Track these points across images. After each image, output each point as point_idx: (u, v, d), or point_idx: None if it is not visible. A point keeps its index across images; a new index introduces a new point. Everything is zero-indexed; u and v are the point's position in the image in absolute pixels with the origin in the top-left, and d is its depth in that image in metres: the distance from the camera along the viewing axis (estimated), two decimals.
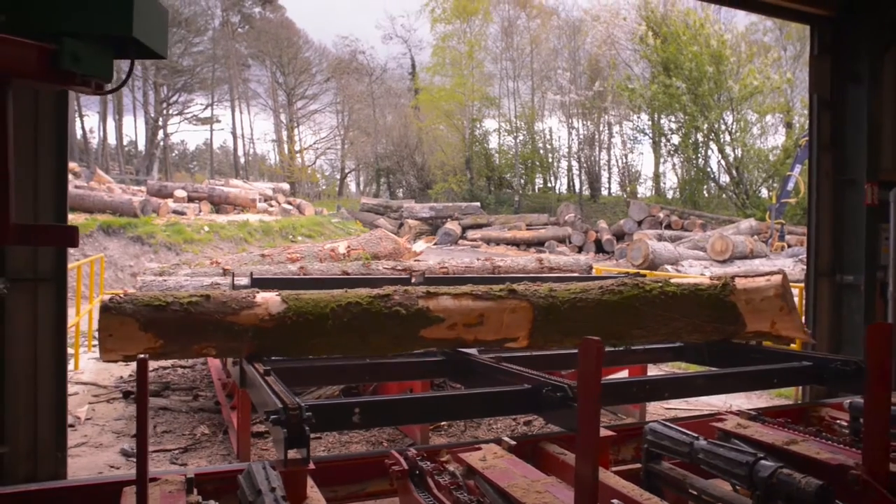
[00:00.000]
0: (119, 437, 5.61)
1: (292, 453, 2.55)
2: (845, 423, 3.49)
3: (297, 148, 49.41)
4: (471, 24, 39.66)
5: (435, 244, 29.31)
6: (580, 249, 28.10)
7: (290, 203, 23.19)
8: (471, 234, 30.75)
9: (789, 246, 18.94)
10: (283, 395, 2.66)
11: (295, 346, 3.12)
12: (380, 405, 3.09)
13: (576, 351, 3.41)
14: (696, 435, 2.68)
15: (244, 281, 5.03)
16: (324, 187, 50.77)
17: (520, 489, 2.16)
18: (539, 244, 29.31)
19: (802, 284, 6.65)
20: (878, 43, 6.08)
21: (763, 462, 2.33)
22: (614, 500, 2.08)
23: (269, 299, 3.14)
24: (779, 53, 32.37)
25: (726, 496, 2.55)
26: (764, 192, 31.35)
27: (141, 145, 45.86)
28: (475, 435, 5.61)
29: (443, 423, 5.73)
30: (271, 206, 21.53)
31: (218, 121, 49.65)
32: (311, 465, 2.63)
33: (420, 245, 8.53)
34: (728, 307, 3.66)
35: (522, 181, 40.08)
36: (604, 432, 3.02)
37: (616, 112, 38.04)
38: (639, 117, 36.75)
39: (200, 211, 19.40)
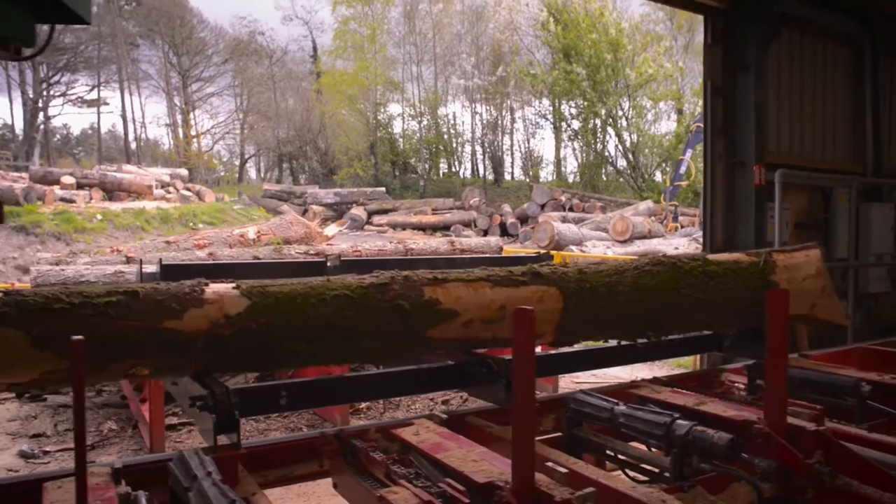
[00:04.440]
0: (14, 438, 5.28)
1: (222, 439, 2.50)
2: (742, 386, 3.76)
3: (193, 132, 47.39)
4: (372, 7, 39.23)
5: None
6: (485, 233, 28.60)
7: (188, 189, 22.26)
8: (377, 219, 30.64)
9: (682, 226, 20.04)
10: (208, 380, 2.58)
11: (264, 356, 2.39)
12: (306, 387, 3.06)
13: None
14: (615, 401, 2.83)
15: (152, 268, 4.82)
16: (222, 173, 49.02)
17: (456, 459, 2.22)
18: (445, 228, 29.58)
19: None
20: (764, 34, 6.53)
21: (679, 421, 2.49)
22: (548, 463, 2.17)
23: (224, 294, 2.30)
24: (671, 43, 33.98)
25: (645, 455, 2.72)
26: (658, 176, 32.94)
27: (18, 128, 42.57)
28: (394, 416, 5.66)
29: (362, 407, 5.74)
30: (169, 192, 20.60)
31: (106, 103, 46.81)
32: (242, 450, 2.59)
33: (332, 229, 8.46)
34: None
35: (427, 166, 40.22)
36: None
37: (518, 97, 38.78)
38: (540, 102, 37.72)
39: (91, 198, 18.30)
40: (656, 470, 2.80)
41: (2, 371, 1.99)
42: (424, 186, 36.83)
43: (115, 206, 17.33)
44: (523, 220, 28.08)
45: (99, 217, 15.77)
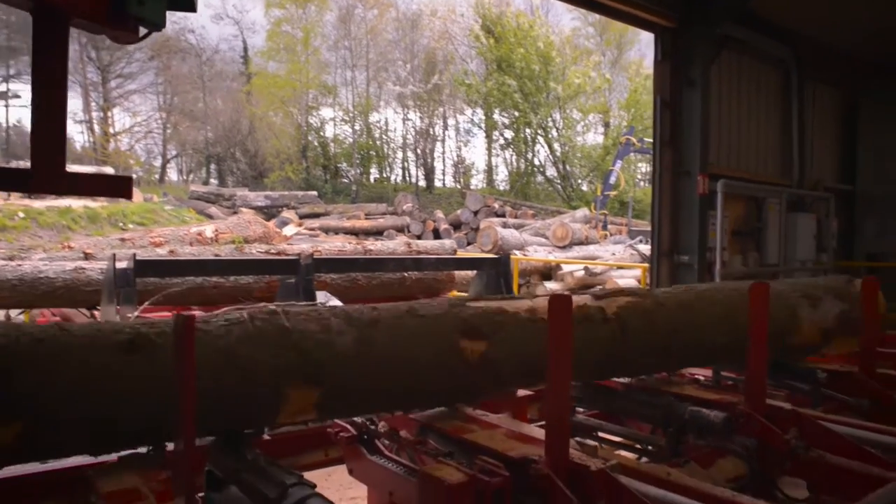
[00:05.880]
0: None
1: None
2: (702, 378, 4.08)
3: (112, 130, 45.45)
4: (306, 10, 38.86)
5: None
6: (418, 238, 28.74)
7: None
8: (309, 223, 30.27)
9: (611, 234, 20.81)
10: None
11: None
12: None
13: None
14: (609, 387, 3.05)
15: (124, 264, 4.75)
16: (140, 174, 47.23)
17: (484, 438, 2.37)
18: (378, 233, 29.51)
19: (647, 265, 7.48)
20: (708, 53, 7.00)
21: (676, 403, 2.74)
22: (577, 438, 2.35)
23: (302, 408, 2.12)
24: (599, 57, 35.24)
25: (638, 435, 2.95)
26: (585, 186, 34.02)
27: None
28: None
29: None
30: None
31: (18, 96, 44.27)
32: (266, 436, 2.65)
33: (290, 229, 8.41)
34: None
35: (359, 171, 40.11)
36: (521, 392, 3.32)
37: (451, 105, 39.27)
38: (474, 111, 38.33)
39: (9, 195, 17.38)
40: (638, 446, 3.05)
41: None
42: (357, 191, 36.69)
43: (38, 204, 16.54)
44: (456, 226, 28.40)
45: (21, 215, 15.03)
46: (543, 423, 3.29)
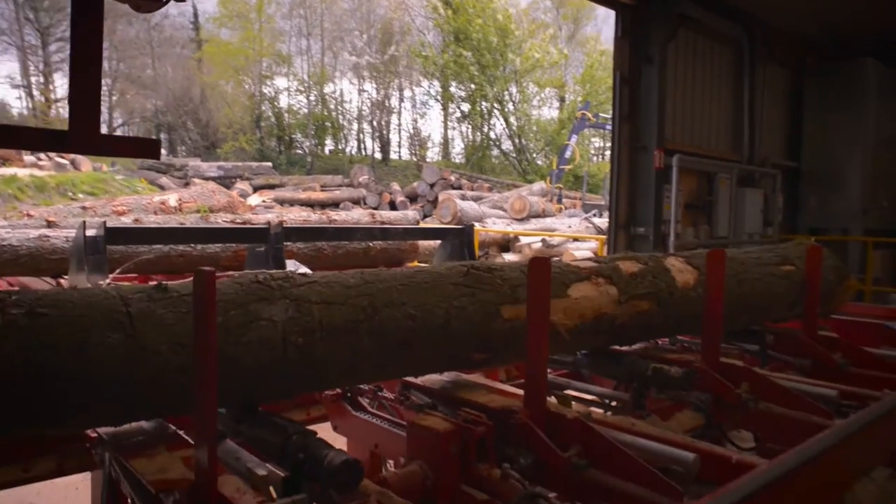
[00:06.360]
0: None
1: None
2: (659, 342, 4.33)
3: (53, 97, 43.66)
4: None
5: None
6: (375, 210, 28.67)
7: (62, 157, 20.76)
8: (264, 194, 29.88)
9: (566, 208, 21.19)
10: None
11: None
12: None
13: None
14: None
15: (93, 231, 4.73)
16: None
17: (466, 392, 2.53)
18: (334, 205, 29.31)
19: (603, 237, 7.75)
20: (666, 31, 7.22)
21: (640, 361, 2.95)
22: (555, 392, 2.53)
23: None
24: (556, 31, 35.41)
25: (604, 391, 3.16)
26: (540, 160, 34.38)
27: None
28: None
29: None
30: (40, 159, 19.15)
31: None
32: None
33: (255, 199, 8.39)
34: None
35: (314, 143, 39.65)
36: None
37: (408, 77, 39.02)
38: (430, 84, 38.17)
39: None
40: (604, 402, 3.27)
41: None
42: (312, 163, 36.31)
43: None
44: (412, 198, 28.43)
45: None
46: (515, 383, 3.50)
